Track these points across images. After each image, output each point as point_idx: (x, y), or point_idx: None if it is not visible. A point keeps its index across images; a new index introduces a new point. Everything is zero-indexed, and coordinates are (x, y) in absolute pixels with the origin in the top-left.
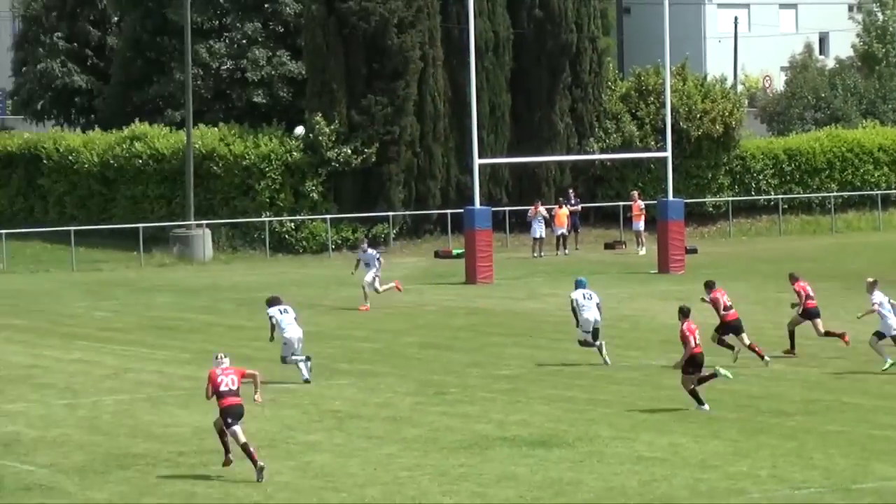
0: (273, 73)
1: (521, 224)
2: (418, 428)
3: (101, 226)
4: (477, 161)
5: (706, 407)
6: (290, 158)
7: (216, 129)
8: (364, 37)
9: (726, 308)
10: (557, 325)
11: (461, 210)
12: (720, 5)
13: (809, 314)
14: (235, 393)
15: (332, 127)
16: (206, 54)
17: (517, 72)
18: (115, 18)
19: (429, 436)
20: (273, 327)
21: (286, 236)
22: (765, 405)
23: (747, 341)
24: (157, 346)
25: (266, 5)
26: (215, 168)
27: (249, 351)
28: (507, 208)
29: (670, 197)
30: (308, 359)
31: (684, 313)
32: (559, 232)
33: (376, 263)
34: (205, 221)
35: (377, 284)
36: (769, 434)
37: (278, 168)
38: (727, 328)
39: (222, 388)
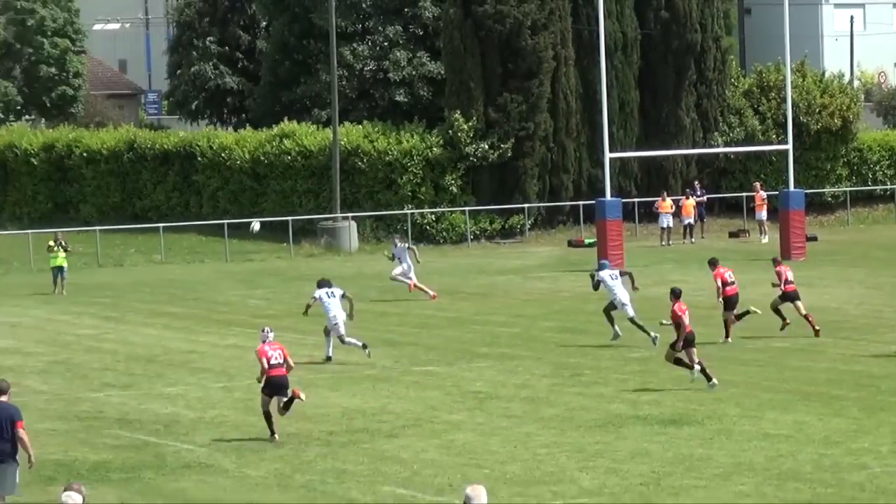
0: (413, 73)
1: (650, 214)
2: (555, 408)
3: (253, 219)
4: (608, 155)
5: (696, 375)
6: (430, 154)
7: (360, 126)
8: (499, 38)
9: (727, 283)
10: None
11: (593, 201)
12: (837, 5)
13: (788, 297)
14: (281, 366)
15: (470, 124)
16: (351, 56)
17: (645, 70)
18: (264, 23)
19: (565, 415)
20: (309, 305)
21: (427, 227)
22: (885, 385)
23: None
24: (307, 332)
25: (406, 9)
26: (360, 163)
27: (394, 336)
28: (636, 199)
29: (791, 188)
30: (341, 340)
31: (675, 294)
32: (686, 221)
33: (407, 258)
34: (350, 214)
35: (411, 274)
36: (890, 412)
37: (419, 163)
38: (728, 303)
39: (272, 361)
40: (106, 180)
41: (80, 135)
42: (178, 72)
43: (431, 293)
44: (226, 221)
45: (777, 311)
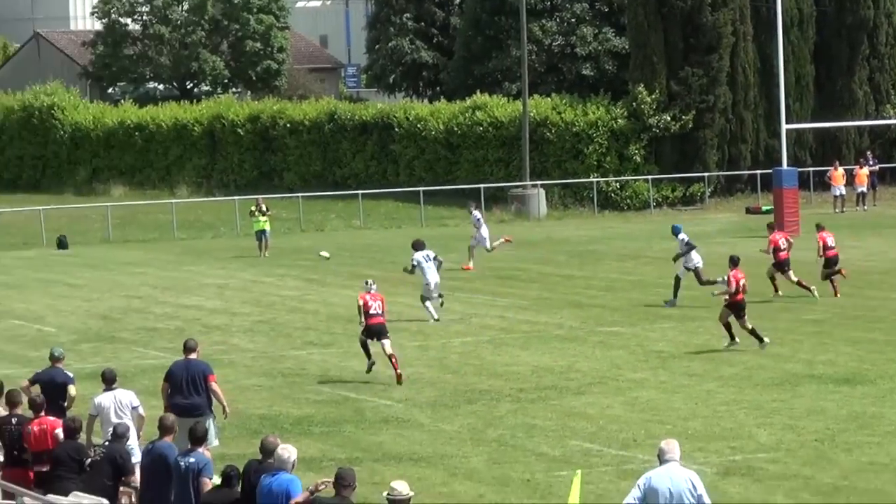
0: (599, 48)
1: (824, 183)
2: (734, 367)
3: (447, 186)
4: (784, 126)
5: (737, 341)
6: (615, 125)
7: (549, 99)
8: (681, 14)
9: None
10: (859, 274)
11: (769, 170)
12: None
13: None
14: (380, 315)
15: (653, 96)
16: (540, 32)
17: (819, 45)
18: (458, 0)
19: (744, 374)
20: (414, 267)
21: (612, 195)
22: None
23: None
24: (499, 294)
25: None
26: (548, 134)
27: (581, 298)
28: (810, 169)
29: None
30: (441, 297)
31: (734, 262)
32: (859, 190)
33: (479, 224)
34: (539, 182)
35: (488, 244)
36: None
37: (605, 134)
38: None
39: (371, 310)
40: (308, 150)
41: (283, 106)
42: (377, 47)
43: (469, 265)
44: (421, 189)
45: (829, 280)
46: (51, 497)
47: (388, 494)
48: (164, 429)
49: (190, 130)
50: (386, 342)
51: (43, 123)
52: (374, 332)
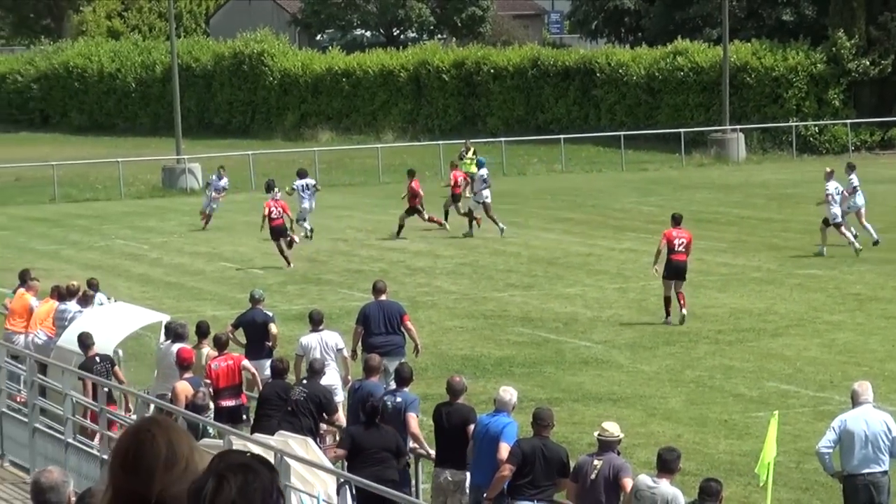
0: None
1: None
2: None
3: (647, 131)
4: None
5: None
6: (814, 70)
7: (749, 44)
8: None
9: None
10: None
11: None
12: None
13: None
14: (280, 218)
15: (853, 41)
16: None
17: None
18: None
19: None
20: (293, 191)
21: (810, 139)
22: None
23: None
24: (697, 237)
25: None
26: (748, 79)
27: (779, 241)
28: None
29: None
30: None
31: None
32: None
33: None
34: (738, 126)
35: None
36: None
37: (804, 79)
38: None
39: (273, 214)
40: (511, 95)
41: (487, 52)
42: None
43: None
44: (622, 133)
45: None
46: (258, 436)
47: (600, 435)
48: (370, 369)
49: (396, 76)
50: (283, 241)
51: (253, 70)
52: (276, 232)
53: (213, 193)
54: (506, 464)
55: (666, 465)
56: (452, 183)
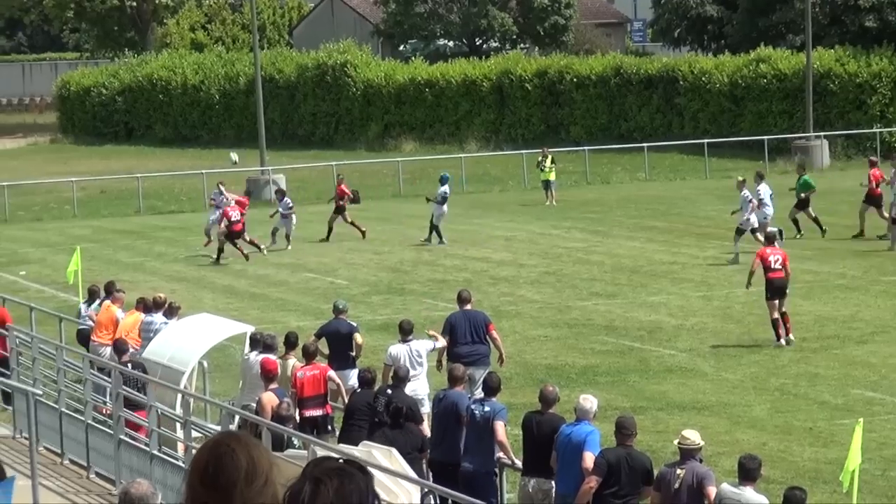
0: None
1: None
2: None
3: (731, 138)
4: None
5: None
6: None
7: (832, 51)
8: None
9: None
10: None
11: None
12: None
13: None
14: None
15: None
16: None
17: None
18: None
19: None
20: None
21: (894, 144)
22: None
23: None
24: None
25: None
26: (831, 85)
27: (863, 248)
28: None
29: None
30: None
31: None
32: None
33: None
34: (822, 133)
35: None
36: None
37: (888, 84)
38: None
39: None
40: (594, 103)
41: (570, 61)
42: (662, 1)
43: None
44: (706, 141)
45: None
46: (342, 446)
47: (680, 443)
48: (454, 378)
49: (479, 86)
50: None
51: (336, 81)
52: (233, 235)
53: (216, 214)
54: (591, 475)
55: (748, 473)
56: (337, 196)
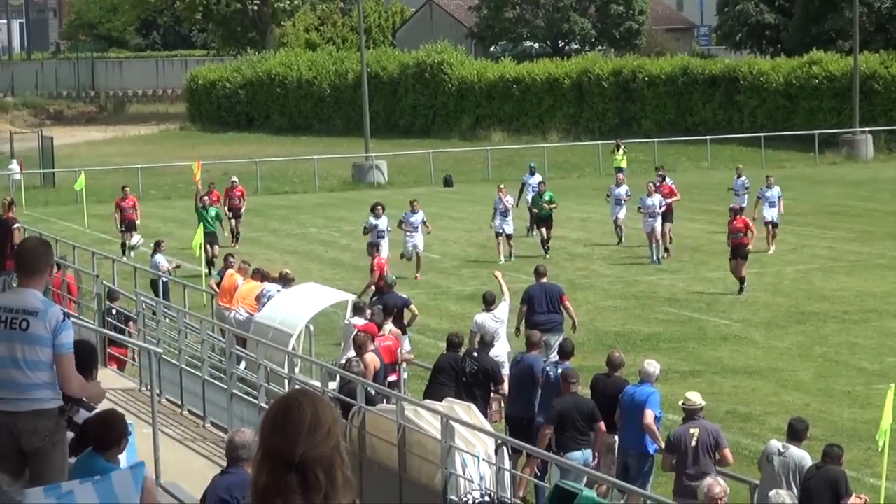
0: None
1: None
2: None
3: (785, 132)
4: None
5: None
6: None
7: (877, 55)
8: None
9: None
10: None
11: None
12: None
13: None
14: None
15: None
16: None
17: None
18: None
19: None
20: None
21: None
22: None
23: None
24: (828, 228)
25: None
26: (876, 86)
27: None
28: None
29: None
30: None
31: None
32: None
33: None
34: (867, 128)
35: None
36: None
37: None
38: None
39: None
40: (663, 100)
41: (642, 62)
42: (726, 9)
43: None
44: (762, 134)
45: None
46: (427, 402)
47: (684, 404)
48: (531, 343)
49: (561, 83)
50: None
51: (433, 78)
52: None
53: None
54: (545, 424)
55: (796, 433)
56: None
